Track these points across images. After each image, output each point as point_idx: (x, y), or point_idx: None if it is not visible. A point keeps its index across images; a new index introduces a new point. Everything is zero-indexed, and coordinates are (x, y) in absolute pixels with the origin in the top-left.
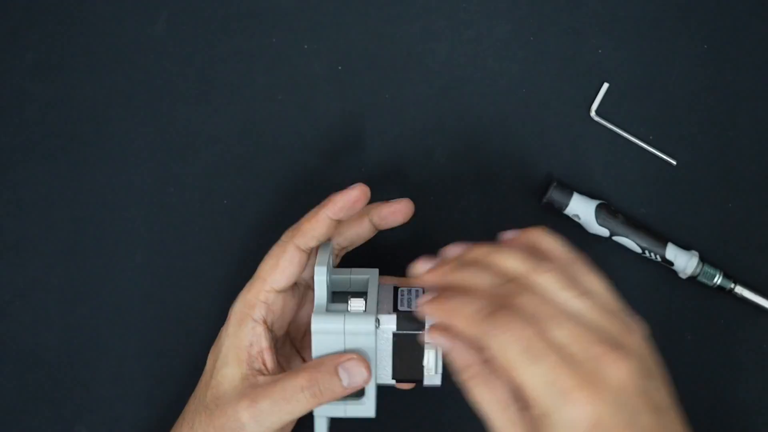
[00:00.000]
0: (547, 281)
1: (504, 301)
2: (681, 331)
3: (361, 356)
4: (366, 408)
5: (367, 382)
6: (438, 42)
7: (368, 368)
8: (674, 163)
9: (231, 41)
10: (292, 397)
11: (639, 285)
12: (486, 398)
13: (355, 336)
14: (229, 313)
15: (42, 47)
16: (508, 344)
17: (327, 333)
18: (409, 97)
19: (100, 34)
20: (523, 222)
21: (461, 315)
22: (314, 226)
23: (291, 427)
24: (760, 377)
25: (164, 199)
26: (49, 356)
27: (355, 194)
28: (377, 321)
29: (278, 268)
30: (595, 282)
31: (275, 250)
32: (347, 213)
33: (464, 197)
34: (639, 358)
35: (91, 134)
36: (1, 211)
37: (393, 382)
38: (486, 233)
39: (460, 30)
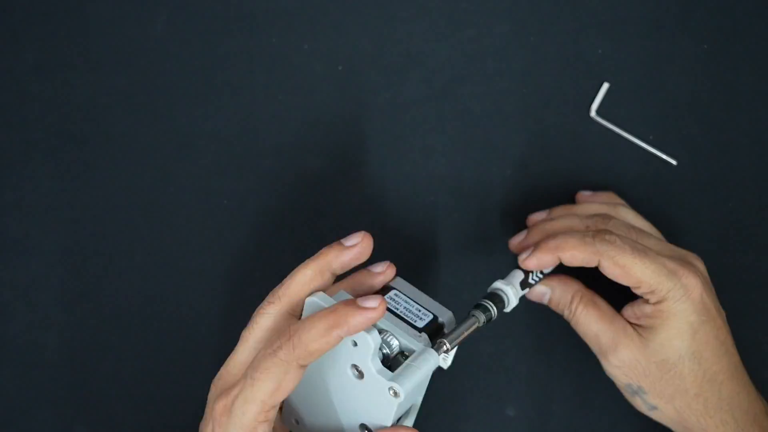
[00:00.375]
0: (626, 214)
1: (597, 227)
2: None
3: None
4: None
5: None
6: (438, 42)
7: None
8: (674, 163)
9: (231, 41)
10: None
11: None
12: (594, 315)
13: (426, 379)
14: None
15: (42, 47)
16: (619, 252)
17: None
18: (409, 97)
19: (100, 34)
20: (522, 222)
21: (568, 245)
22: (323, 348)
23: None
24: (759, 377)
25: (164, 199)
26: (49, 356)
27: (370, 315)
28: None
29: (280, 391)
30: (629, 214)
31: (274, 371)
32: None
33: (464, 197)
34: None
35: (91, 134)
36: (1, 211)
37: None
38: (486, 233)
39: (460, 30)
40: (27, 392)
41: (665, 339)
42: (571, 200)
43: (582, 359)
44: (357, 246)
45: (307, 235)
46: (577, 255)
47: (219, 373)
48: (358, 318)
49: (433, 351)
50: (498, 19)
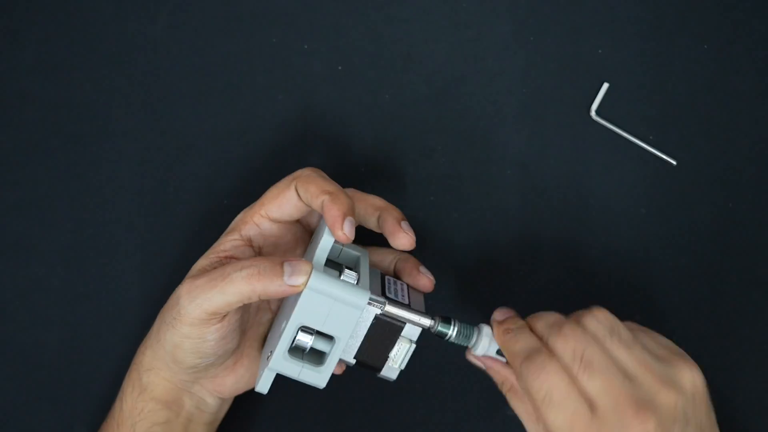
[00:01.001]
0: (592, 328)
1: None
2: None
3: (308, 261)
4: (320, 377)
5: (304, 284)
6: (438, 42)
7: (309, 273)
8: (674, 163)
9: (231, 41)
10: (229, 275)
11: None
12: (522, 410)
13: (343, 306)
14: None
15: (42, 47)
16: (567, 352)
17: (319, 293)
18: (409, 97)
19: (100, 34)
20: (523, 223)
21: (537, 322)
22: (313, 196)
23: (231, 336)
24: (760, 377)
25: (164, 199)
26: (49, 356)
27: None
28: (371, 299)
29: (276, 201)
30: (640, 335)
31: (283, 183)
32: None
33: (464, 197)
34: (674, 410)
35: (91, 134)
36: (1, 211)
37: (353, 362)
38: (486, 233)
39: (460, 30)
40: (27, 392)
41: None
42: (571, 200)
43: None
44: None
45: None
46: (541, 337)
47: None
48: (341, 221)
49: (365, 293)
50: (498, 19)
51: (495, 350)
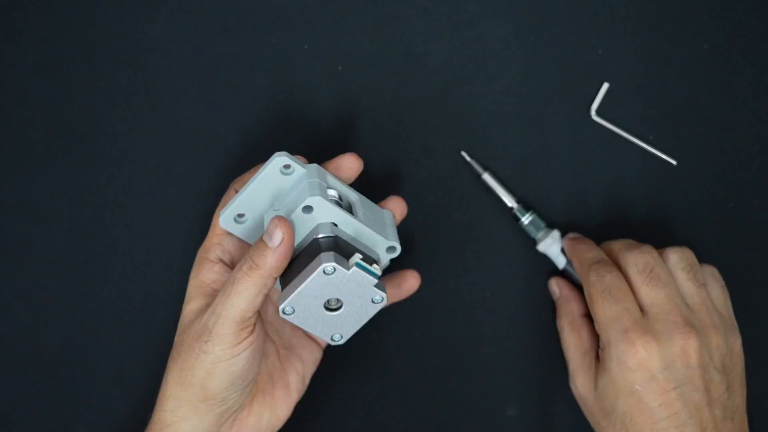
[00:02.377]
0: (674, 258)
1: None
2: None
3: (281, 216)
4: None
5: (287, 233)
6: (438, 42)
7: (285, 225)
8: (674, 163)
9: (231, 41)
10: (234, 280)
11: None
12: (573, 342)
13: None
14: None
15: (42, 47)
16: (594, 286)
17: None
18: (409, 97)
19: (100, 34)
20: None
21: (614, 243)
22: (249, 176)
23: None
24: (760, 377)
25: (164, 199)
26: (49, 356)
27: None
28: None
29: (222, 205)
30: (716, 286)
31: (224, 198)
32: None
33: (464, 197)
34: (715, 350)
35: (91, 134)
36: (1, 211)
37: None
38: (486, 234)
39: (460, 30)
40: (27, 392)
41: (601, 387)
42: (571, 200)
43: None
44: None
45: None
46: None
47: None
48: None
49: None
50: (498, 19)
51: (555, 253)
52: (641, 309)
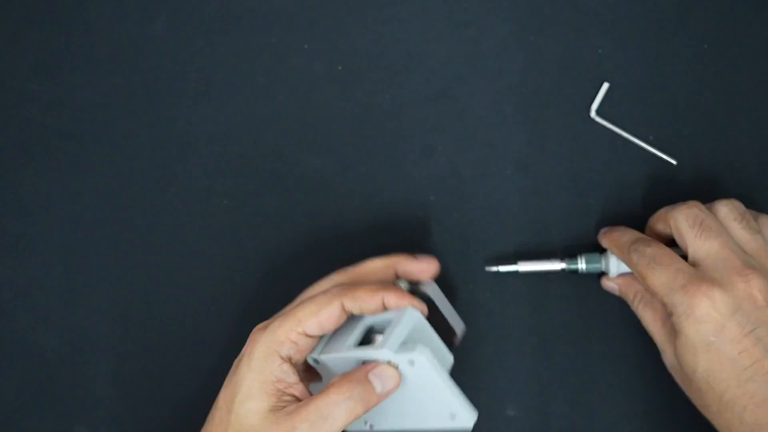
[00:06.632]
0: (723, 210)
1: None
2: None
3: (389, 363)
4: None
5: (398, 385)
6: (438, 42)
7: (397, 372)
8: (674, 163)
9: (231, 41)
10: (329, 414)
11: None
12: (649, 316)
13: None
14: (252, 345)
15: (42, 47)
16: (640, 262)
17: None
18: (409, 97)
19: (100, 34)
20: (523, 223)
21: (613, 242)
22: (368, 302)
23: None
24: None
25: (164, 199)
26: (49, 356)
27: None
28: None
29: (317, 317)
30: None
31: (320, 298)
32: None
33: (464, 197)
34: None
35: (91, 134)
36: (1, 211)
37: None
38: (486, 234)
39: (460, 30)
40: (27, 392)
41: (679, 353)
42: (571, 200)
43: (582, 359)
44: (425, 262)
45: (307, 235)
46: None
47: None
48: (404, 298)
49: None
50: (498, 19)
51: (621, 267)
52: (697, 264)
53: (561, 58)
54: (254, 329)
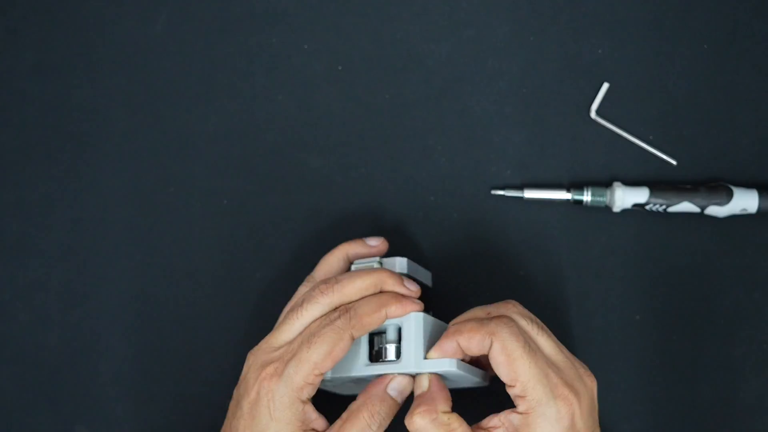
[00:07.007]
0: (523, 318)
1: (498, 313)
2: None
3: (401, 374)
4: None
5: (411, 386)
6: (438, 42)
7: (411, 378)
8: (674, 163)
9: (231, 41)
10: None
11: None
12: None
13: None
14: (269, 394)
15: (42, 47)
16: (512, 339)
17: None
18: (409, 97)
19: (100, 34)
20: (522, 222)
21: (465, 328)
22: (374, 324)
23: None
24: (760, 377)
25: (164, 199)
26: (49, 356)
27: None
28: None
29: (331, 356)
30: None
31: (329, 335)
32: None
33: (464, 197)
34: (592, 395)
35: (91, 134)
36: (1, 211)
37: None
38: (486, 234)
39: (460, 30)
40: (27, 392)
41: None
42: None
43: (581, 359)
44: (376, 245)
45: (307, 235)
46: (473, 337)
47: (258, 346)
48: (405, 306)
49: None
50: (498, 19)
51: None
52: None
53: (561, 58)
54: (256, 365)
